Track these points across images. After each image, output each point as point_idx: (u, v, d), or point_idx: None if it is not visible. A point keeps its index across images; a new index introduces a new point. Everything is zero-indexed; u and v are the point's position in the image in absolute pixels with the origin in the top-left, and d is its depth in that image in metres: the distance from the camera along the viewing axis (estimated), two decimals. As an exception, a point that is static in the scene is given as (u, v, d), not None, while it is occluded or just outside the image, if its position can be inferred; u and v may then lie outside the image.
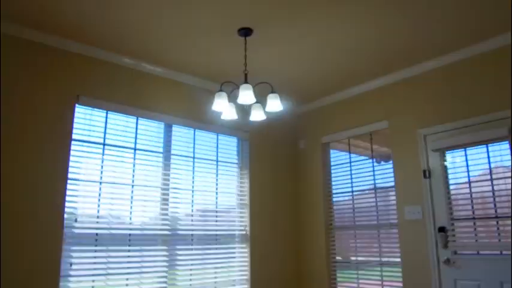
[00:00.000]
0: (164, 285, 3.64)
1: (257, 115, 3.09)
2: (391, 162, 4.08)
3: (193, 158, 4.11)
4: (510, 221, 3.19)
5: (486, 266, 3.28)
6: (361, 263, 4.24)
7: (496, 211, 3.30)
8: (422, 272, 3.64)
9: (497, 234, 3.28)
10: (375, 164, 4.29)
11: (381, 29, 3.23)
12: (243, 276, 4.24)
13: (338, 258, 4.47)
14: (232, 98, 3.51)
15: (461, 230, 3.48)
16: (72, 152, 3.31)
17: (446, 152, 3.67)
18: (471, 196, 3.46)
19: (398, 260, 3.86)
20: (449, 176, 3.63)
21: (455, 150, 3.61)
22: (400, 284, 3.81)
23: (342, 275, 4.44)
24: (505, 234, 3.23)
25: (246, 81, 2.87)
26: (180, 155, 4.01)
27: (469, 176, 3.51)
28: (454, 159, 3.63)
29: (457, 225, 3.51)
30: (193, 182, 4.05)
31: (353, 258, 4.32)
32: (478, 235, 3.39)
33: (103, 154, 3.50)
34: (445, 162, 3.67)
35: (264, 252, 4.44)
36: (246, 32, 3.16)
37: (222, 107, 2.96)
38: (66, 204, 3.21)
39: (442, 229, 3.55)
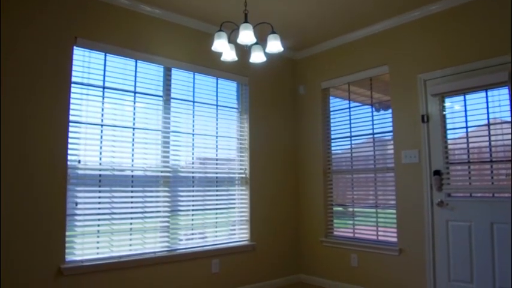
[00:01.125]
0: (167, 224, 3.78)
1: (257, 56, 3.06)
2: (390, 110, 4.09)
3: (193, 102, 4.11)
4: (505, 165, 3.26)
5: (478, 208, 3.39)
6: (357, 205, 4.37)
7: (490, 155, 3.36)
8: (416, 214, 3.77)
9: (491, 178, 3.37)
10: (374, 112, 4.30)
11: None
12: (243, 217, 4.39)
13: (335, 201, 4.60)
14: (232, 40, 3.45)
15: (456, 173, 3.56)
16: (72, 95, 3.31)
17: (445, 98, 3.68)
18: (467, 141, 3.51)
19: (394, 202, 3.99)
20: (447, 121, 3.66)
21: (454, 96, 3.62)
22: (395, 226, 3.96)
23: (338, 218, 4.59)
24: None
25: (246, 21, 2.81)
26: (180, 99, 4.01)
27: (466, 122, 3.53)
28: (452, 105, 3.65)
29: (452, 169, 3.59)
30: (193, 125, 4.08)
31: (350, 200, 4.45)
32: (471, 178, 3.48)
33: (103, 97, 3.50)
34: (444, 108, 3.68)
35: (263, 194, 4.56)
36: (246, -31, 3.06)
37: (222, 47, 2.92)
38: (69, 146, 3.25)
39: (437, 172, 3.64)
